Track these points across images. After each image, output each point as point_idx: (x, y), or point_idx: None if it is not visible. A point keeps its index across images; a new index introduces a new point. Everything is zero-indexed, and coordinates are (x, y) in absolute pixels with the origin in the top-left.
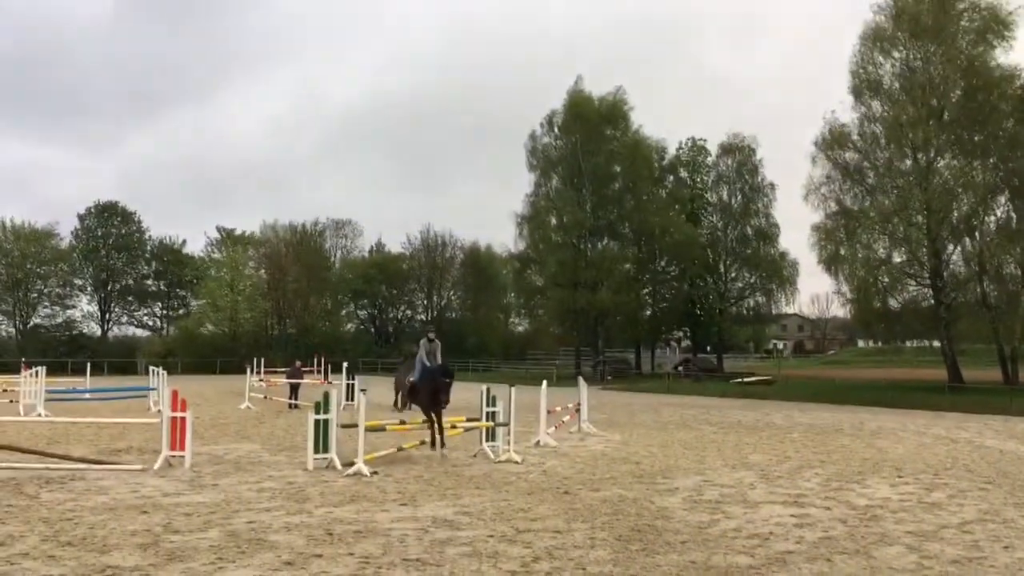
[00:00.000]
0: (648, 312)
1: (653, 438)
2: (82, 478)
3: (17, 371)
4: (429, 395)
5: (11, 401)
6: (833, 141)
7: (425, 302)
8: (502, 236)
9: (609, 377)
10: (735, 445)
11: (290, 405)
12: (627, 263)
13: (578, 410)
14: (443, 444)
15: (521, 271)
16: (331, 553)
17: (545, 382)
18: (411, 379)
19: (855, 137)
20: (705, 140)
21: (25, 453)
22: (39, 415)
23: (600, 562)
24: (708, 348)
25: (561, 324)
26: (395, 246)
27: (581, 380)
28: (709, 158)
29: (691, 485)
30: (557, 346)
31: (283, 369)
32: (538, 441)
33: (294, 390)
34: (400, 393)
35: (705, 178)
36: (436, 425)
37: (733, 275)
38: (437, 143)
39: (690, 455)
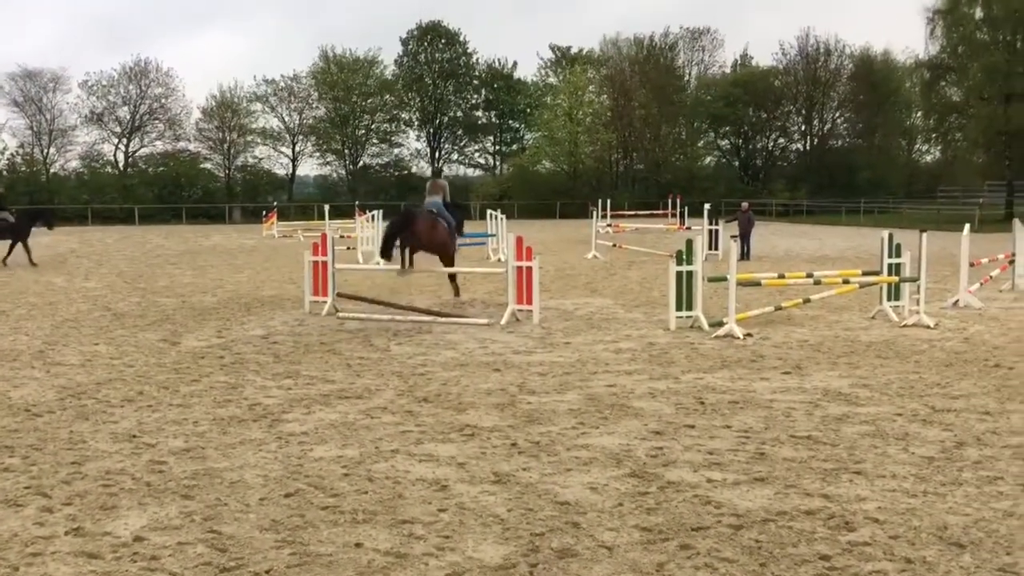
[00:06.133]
0: None
1: None
2: (429, 331)
3: (350, 214)
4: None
5: (348, 248)
6: None
7: (802, 127)
8: (906, 38)
9: None
10: None
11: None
12: None
13: (1012, 262)
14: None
15: (932, 83)
16: (704, 424)
17: (967, 226)
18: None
19: None
20: None
21: (371, 303)
22: (378, 263)
23: None
24: None
25: (987, 151)
26: (765, 58)
27: (1017, 224)
28: None
29: None
30: (980, 180)
31: (634, 213)
32: (957, 301)
33: (744, 240)
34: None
35: None
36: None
37: None
38: None
39: None
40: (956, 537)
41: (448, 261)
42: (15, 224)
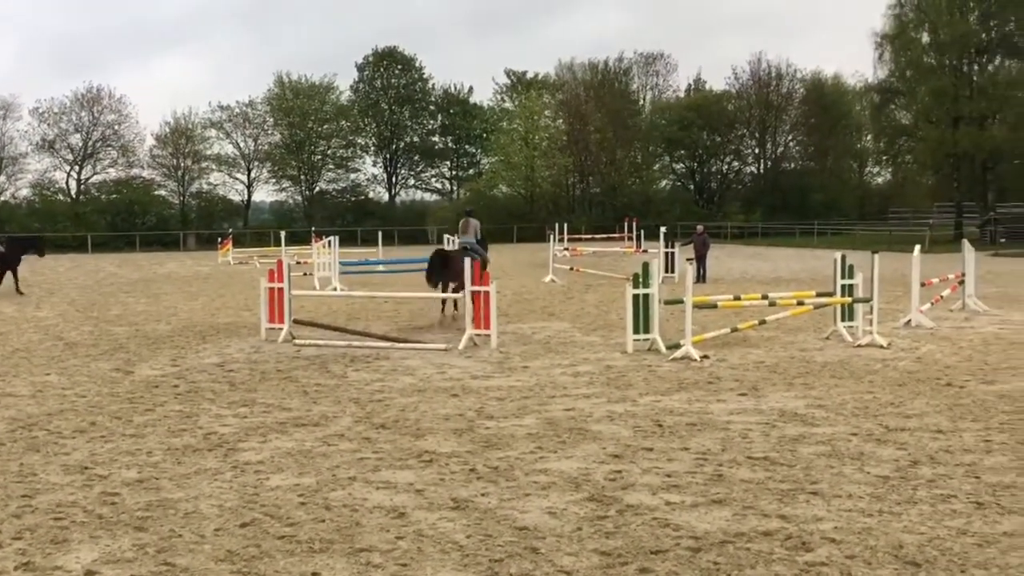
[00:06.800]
0: None
1: None
2: (386, 357)
3: (306, 240)
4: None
5: (305, 274)
6: None
7: (756, 150)
8: (855, 63)
9: (1003, 239)
10: None
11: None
12: None
13: (962, 282)
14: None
15: (881, 106)
16: (662, 447)
17: (918, 247)
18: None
19: None
20: None
21: (327, 330)
22: (335, 289)
23: (999, 470)
24: None
25: (936, 172)
26: (718, 82)
27: (966, 244)
28: None
29: None
30: (929, 201)
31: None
32: (909, 321)
33: (700, 263)
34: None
35: None
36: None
37: None
38: None
39: None
40: (911, 556)
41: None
42: (6, 253)
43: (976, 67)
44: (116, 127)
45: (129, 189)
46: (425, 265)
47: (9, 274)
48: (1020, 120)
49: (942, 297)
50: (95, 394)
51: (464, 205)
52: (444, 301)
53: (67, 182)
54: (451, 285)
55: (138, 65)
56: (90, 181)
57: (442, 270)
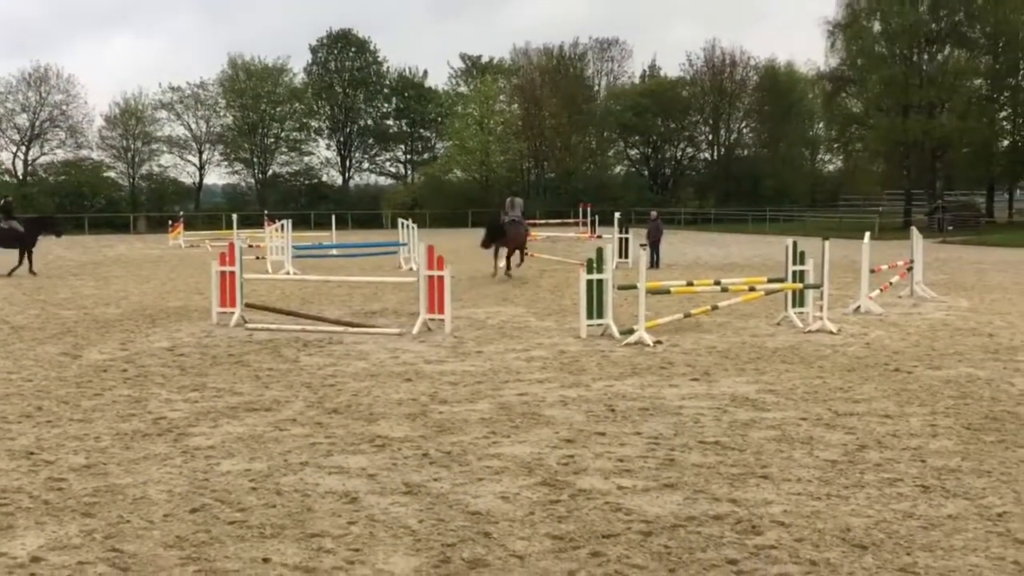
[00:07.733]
0: (1007, 142)
1: (1013, 304)
2: (339, 341)
3: (259, 224)
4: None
5: (257, 258)
6: None
7: (710, 137)
8: (808, 51)
9: (951, 227)
10: None
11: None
12: (978, 78)
13: (910, 269)
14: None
15: (833, 94)
16: (615, 432)
17: (868, 234)
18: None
19: None
20: None
21: (280, 314)
22: (288, 273)
23: (944, 453)
24: None
25: (886, 160)
26: (672, 69)
27: (914, 231)
28: None
29: None
30: (879, 189)
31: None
32: (858, 307)
33: (654, 248)
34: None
35: None
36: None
37: None
38: None
39: None
40: (859, 539)
41: (523, 252)
42: (23, 233)
43: (926, 56)
44: (64, 107)
45: (78, 171)
46: (383, 248)
47: (27, 254)
48: (968, 109)
49: (891, 284)
50: (42, 378)
51: (417, 190)
52: (499, 268)
53: (13, 163)
54: (502, 249)
55: (87, 45)
56: (37, 162)
57: (501, 235)
